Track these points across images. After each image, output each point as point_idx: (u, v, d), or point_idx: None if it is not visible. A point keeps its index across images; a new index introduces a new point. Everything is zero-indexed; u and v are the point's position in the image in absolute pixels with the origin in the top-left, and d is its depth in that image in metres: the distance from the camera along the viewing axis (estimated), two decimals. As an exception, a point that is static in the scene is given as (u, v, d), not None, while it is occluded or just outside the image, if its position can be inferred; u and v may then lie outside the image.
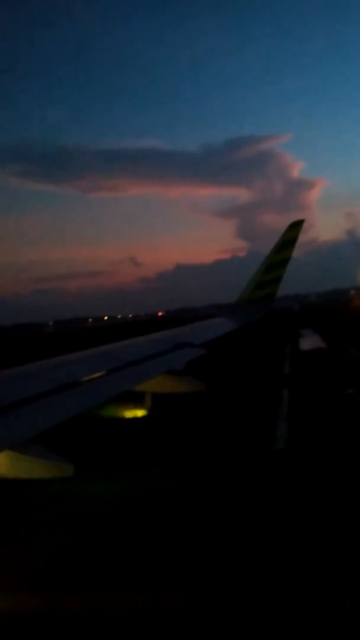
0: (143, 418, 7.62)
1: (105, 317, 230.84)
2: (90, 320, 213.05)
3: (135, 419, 7.76)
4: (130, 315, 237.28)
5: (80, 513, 9.30)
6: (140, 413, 7.63)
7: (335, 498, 9.61)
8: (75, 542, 8.50)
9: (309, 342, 40.69)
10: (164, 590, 6.92)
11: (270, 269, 11.80)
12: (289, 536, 8.25)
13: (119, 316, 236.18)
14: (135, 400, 7.45)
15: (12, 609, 6.69)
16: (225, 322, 11.66)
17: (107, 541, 8.52)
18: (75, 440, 8.53)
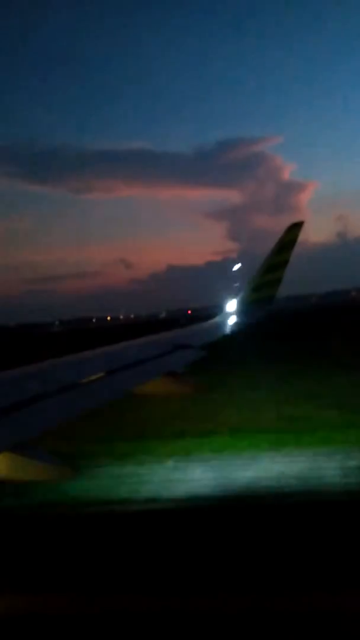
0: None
1: (109, 318, 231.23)
2: (94, 320, 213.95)
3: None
4: (132, 316, 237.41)
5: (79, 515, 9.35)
6: None
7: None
8: (73, 544, 8.54)
9: None
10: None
11: (269, 270, 11.77)
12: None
13: (121, 316, 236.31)
14: (135, 402, 7.50)
15: (12, 609, 6.72)
16: (225, 323, 11.66)
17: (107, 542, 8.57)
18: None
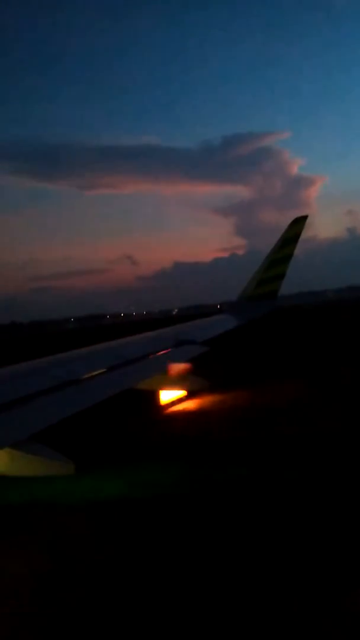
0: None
1: (122, 314, 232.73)
2: (108, 317, 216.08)
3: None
4: (145, 312, 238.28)
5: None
6: None
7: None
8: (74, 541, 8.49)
9: None
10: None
11: (273, 265, 11.73)
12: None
13: (134, 313, 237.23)
14: (138, 397, 7.53)
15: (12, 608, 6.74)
16: (228, 319, 11.65)
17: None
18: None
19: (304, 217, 11.67)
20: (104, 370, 7.04)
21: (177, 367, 7.90)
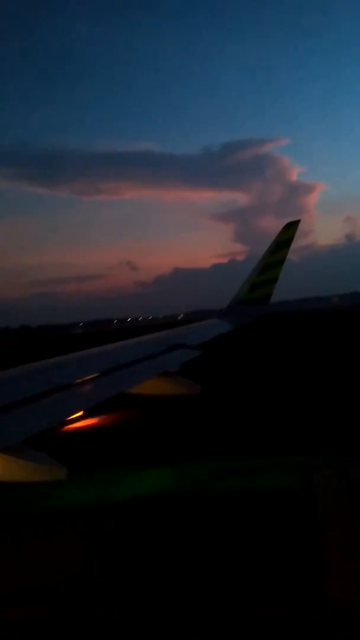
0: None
1: (129, 319, 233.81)
2: (115, 321, 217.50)
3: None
4: (150, 317, 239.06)
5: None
6: None
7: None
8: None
9: None
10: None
11: (265, 269, 11.75)
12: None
13: (140, 318, 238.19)
14: (130, 402, 7.50)
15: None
16: (221, 323, 11.70)
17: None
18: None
19: (297, 222, 11.70)
20: (96, 374, 7.08)
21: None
